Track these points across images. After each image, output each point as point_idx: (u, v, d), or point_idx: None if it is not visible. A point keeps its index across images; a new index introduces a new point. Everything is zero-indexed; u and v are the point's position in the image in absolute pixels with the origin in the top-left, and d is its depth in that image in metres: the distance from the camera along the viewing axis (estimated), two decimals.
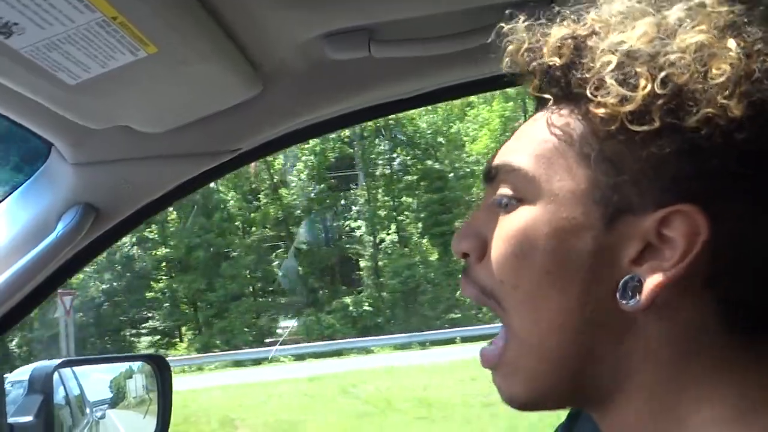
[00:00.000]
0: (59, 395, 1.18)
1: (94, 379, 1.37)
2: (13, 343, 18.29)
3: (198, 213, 21.48)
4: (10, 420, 1.02)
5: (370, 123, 20.07)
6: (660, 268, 0.46)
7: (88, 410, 1.36)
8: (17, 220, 0.97)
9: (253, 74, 0.86)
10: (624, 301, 0.47)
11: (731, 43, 0.44)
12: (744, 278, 0.46)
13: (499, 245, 0.51)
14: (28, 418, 1.02)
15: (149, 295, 21.01)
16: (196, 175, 1.02)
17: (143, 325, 21.09)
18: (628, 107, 0.45)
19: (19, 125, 0.85)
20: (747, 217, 0.45)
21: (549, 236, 0.49)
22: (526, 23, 0.53)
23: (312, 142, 20.73)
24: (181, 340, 20.21)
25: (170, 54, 0.71)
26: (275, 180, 22.92)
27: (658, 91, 0.44)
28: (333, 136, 21.11)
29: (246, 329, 19.77)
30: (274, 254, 22.31)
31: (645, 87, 0.45)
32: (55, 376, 1.11)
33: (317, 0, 0.76)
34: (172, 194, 1.03)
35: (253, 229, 22.39)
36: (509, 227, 0.51)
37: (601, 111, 0.47)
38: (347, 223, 22.88)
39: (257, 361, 15.89)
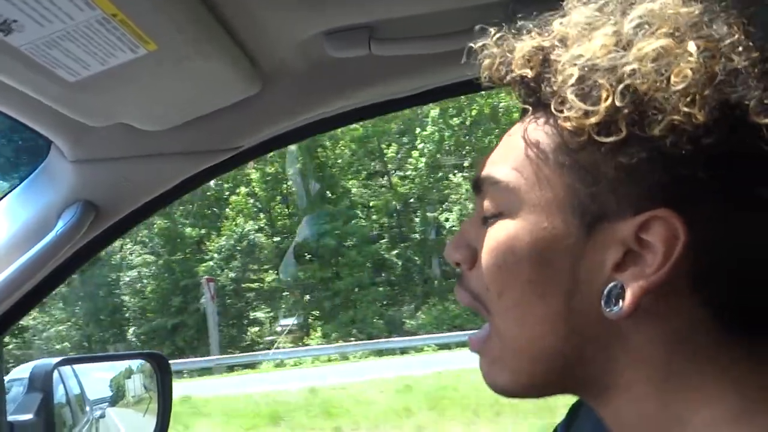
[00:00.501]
0: (59, 393, 1.18)
1: (94, 378, 1.37)
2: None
3: (323, 201, 21.52)
4: (10, 418, 1.02)
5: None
6: (642, 274, 0.46)
7: (88, 408, 1.36)
8: (17, 218, 0.97)
9: (253, 72, 0.85)
10: (608, 309, 0.47)
11: (691, 46, 0.44)
12: (726, 279, 0.46)
13: (486, 256, 0.53)
14: (29, 416, 1.03)
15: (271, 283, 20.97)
16: (196, 173, 1.02)
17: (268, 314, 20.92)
18: (593, 120, 0.45)
19: (18, 122, 0.85)
20: (719, 220, 0.45)
21: (530, 246, 0.49)
22: (497, 37, 0.54)
23: (429, 129, 20.78)
24: (314, 329, 19.78)
25: (170, 51, 0.71)
26: (389, 168, 22.82)
27: (619, 103, 0.44)
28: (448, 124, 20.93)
29: (376, 319, 19.37)
30: (391, 243, 22.18)
31: (606, 99, 0.45)
32: (55, 374, 1.11)
33: None
34: (172, 192, 1.03)
35: (374, 217, 22.32)
36: (493, 239, 0.52)
37: (568, 124, 0.47)
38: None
39: (391, 351, 15.17)
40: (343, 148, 22.17)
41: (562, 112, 0.47)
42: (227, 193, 22.05)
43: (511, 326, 0.51)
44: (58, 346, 18.45)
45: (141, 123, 0.90)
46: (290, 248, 20.02)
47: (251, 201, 22.03)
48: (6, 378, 1.09)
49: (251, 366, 15.03)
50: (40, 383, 1.07)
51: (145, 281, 20.76)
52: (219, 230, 21.11)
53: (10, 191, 1.00)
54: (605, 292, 0.47)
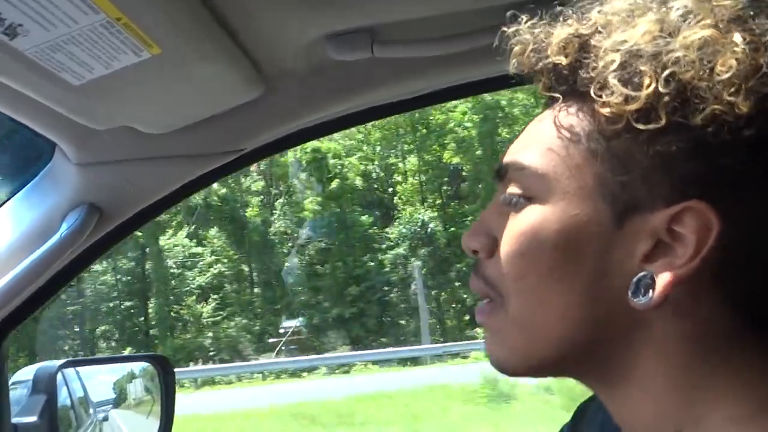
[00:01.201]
0: (63, 396, 1.18)
1: (98, 380, 1.38)
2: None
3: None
4: (14, 420, 1.02)
5: None
6: (672, 265, 0.46)
7: (91, 410, 1.36)
8: (21, 221, 0.97)
9: (256, 75, 0.86)
10: (635, 299, 0.47)
11: (737, 37, 0.44)
12: (753, 273, 0.46)
13: (507, 243, 0.52)
14: (32, 419, 1.03)
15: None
16: (200, 176, 1.02)
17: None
18: (633, 106, 0.45)
19: (23, 125, 0.85)
20: (756, 212, 0.45)
21: (558, 233, 0.49)
22: (529, 24, 0.53)
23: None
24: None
25: (174, 55, 0.72)
26: None
27: (662, 90, 0.44)
28: None
29: None
30: None
31: (649, 86, 0.45)
32: (59, 376, 1.11)
33: (319, 1, 0.76)
34: (176, 195, 1.03)
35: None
36: (518, 226, 0.51)
37: (606, 110, 0.47)
38: None
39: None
40: None
41: (600, 97, 0.47)
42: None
43: (527, 310, 0.51)
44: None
45: (145, 126, 0.90)
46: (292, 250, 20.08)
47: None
48: (10, 380, 1.09)
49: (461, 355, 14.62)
50: (44, 385, 1.07)
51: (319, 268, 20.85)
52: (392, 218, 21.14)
53: (15, 194, 1.00)
54: (634, 281, 0.47)
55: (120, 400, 1.38)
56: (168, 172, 1.00)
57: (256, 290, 22.95)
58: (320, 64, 0.89)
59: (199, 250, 22.73)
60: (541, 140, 0.52)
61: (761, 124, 0.43)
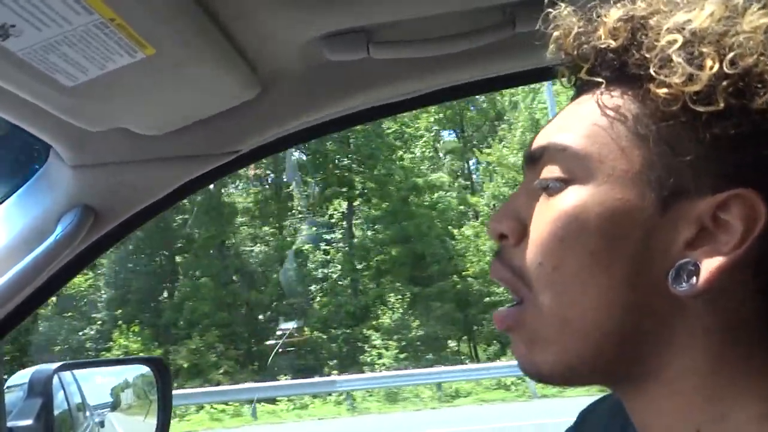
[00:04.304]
0: (59, 399, 1.18)
1: (95, 383, 1.37)
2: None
3: None
4: (10, 423, 1.02)
5: None
6: (717, 252, 0.46)
7: (88, 414, 1.36)
8: (16, 223, 0.97)
9: (251, 76, 0.85)
10: (676, 285, 0.46)
11: None
12: None
13: (541, 228, 0.50)
14: (28, 422, 1.02)
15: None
16: (195, 177, 1.02)
17: None
18: (694, 87, 0.45)
19: (17, 127, 0.85)
20: None
21: (601, 217, 0.48)
22: (571, 8, 0.52)
23: None
24: None
25: (168, 56, 0.71)
26: None
27: (727, 71, 0.44)
28: None
29: None
30: None
31: (712, 67, 0.44)
32: (55, 379, 1.11)
33: (315, 1, 0.75)
34: (171, 196, 1.03)
35: None
36: (555, 209, 0.50)
37: (663, 91, 0.46)
38: None
39: None
40: None
41: (659, 76, 0.46)
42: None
43: (563, 302, 0.49)
44: None
45: (139, 127, 0.90)
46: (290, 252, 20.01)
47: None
48: (6, 383, 1.09)
49: None
50: (40, 388, 1.06)
51: None
52: None
53: (10, 196, 1.00)
54: (676, 267, 0.46)
55: (117, 403, 1.38)
56: (163, 173, 0.99)
57: None
58: (316, 65, 0.89)
59: None
60: (583, 122, 0.50)
61: None
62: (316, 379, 13.58)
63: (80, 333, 16.55)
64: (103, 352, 15.00)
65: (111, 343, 15.32)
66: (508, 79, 0.99)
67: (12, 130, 0.88)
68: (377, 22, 0.82)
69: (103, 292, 17.96)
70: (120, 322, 15.99)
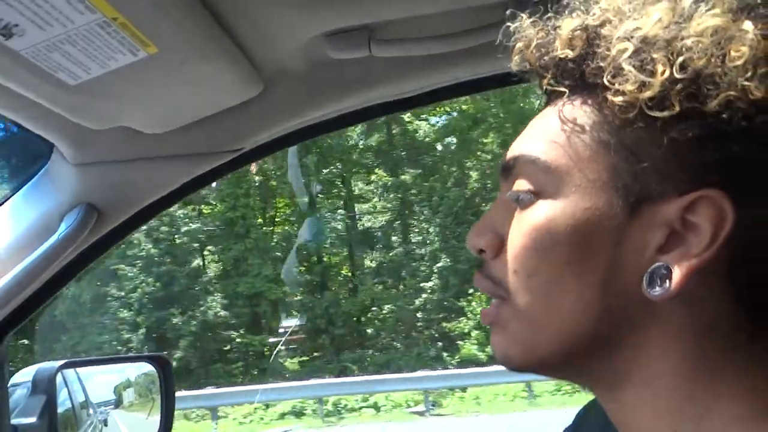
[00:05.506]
0: (62, 397, 1.18)
1: (98, 381, 1.38)
2: None
3: None
4: (14, 421, 1.02)
5: None
6: (688, 254, 0.46)
7: (91, 411, 1.36)
8: (19, 221, 0.97)
9: (254, 74, 0.86)
10: (651, 290, 0.46)
11: (747, 24, 0.44)
12: (763, 265, 0.46)
13: (516, 242, 0.51)
14: (32, 420, 1.03)
15: None
16: (198, 175, 1.02)
17: None
18: (647, 93, 0.45)
19: (20, 126, 0.85)
20: (766, 199, 0.45)
21: (571, 228, 0.48)
22: (531, 20, 0.53)
23: None
24: None
25: (171, 54, 0.71)
26: None
27: (677, 76, 0.44)
28: None
29: None
30: None
31: (663, 72, 0.45)
32: (58, 377, 1.11)
33: (317, 0, 0.75)
34: (174, 194, 1.03)
35: None
36: (527, 223, 0.50)
37: (618, 99, 0.46)
38: None
39: None
40: None
41: (613, 85, 0.46)
42: None
43: (537, 306, 0.50)
44: None
45: (142, 126, 0.90)
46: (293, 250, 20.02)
47: None
48: (9, 381, 1.09)
49: None
50: (44, 386, 1.07)
51: None
52: None
53: (13, 194, 1.00)
54: (649, 272, 0.47)
55: (120, 400, 1.38)
56: (166, 171, 0.99)
57: None
58: (318, 63, 0.89)
59: None
60: (548, 134, 0.51)
61: None
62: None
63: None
64: None
65: None
66: (511, 76, 0.99)
67: (15, 129, 0.89)
68: (379, 20, 0.82)
69: None
70: None
